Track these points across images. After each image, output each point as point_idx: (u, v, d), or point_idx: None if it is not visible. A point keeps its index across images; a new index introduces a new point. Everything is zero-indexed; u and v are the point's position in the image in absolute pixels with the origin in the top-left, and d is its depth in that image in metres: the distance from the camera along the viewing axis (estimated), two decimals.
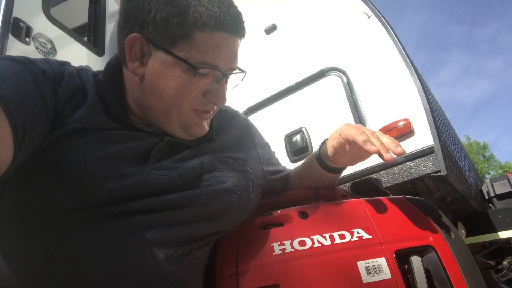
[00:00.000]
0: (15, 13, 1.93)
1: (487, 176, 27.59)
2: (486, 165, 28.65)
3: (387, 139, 0.79)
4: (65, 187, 0.64)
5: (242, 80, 0.84)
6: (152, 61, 0.74)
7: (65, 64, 0.79)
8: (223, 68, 0.76)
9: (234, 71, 0.80)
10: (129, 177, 0.69)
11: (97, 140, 0.69)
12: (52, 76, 0.71)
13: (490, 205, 3.01)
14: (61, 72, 0.74)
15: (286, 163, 2.29)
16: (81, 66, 0.83)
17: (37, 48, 2.05)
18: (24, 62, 0.67)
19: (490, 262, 3.20)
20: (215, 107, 0.82)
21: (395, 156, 0.76)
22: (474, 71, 68.51)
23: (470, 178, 2.79)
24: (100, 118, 0.73)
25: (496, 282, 3.83)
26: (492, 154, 29.39)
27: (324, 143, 0.98)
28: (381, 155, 0.77)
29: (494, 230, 2.40)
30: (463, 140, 29.07)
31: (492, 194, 2.97)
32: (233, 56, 0.77)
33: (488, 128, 60.91)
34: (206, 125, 0.83)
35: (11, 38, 1.88)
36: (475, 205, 2.52)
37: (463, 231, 2.29)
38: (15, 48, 1.90)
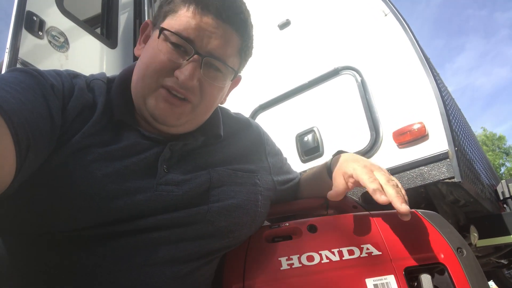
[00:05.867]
0: (29, 7, 1.93)
1: (501, 168, 27.20)
2: (504, 157, 28.17)
3: (393, 191, 0.78)
4: (72, 207, 0.63)
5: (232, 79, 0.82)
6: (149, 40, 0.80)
7: (76, 76, 0.77)
8: (199, 48, 0.72)
9: (218, 61, 0.75)
10: (136, 194, 0.68)
11: (103, 158, 0.68)
12: (61, 91, 0.69)
13: (505, 205, 2.98)
14: (71, 87, 0.72)
15: (297, 163, 2.27)
16: (92, 75, 0.81)
17: (49, 42, 2.05)
18: (34, 75, 0.66)
19: (502, 261, 3.24)
20: (180, 89, 0.73)
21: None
22: (492, 58, 65.95)
23: (485, 179, 2.75)
24: (106, 133, 0.72)
25: (507, 278, 3.95)
26: (510, 145, 28.79)
27: (337, 153, 0.97)
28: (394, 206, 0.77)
29: (508, 233, 2.37)
30: (479, 131, 28.65)
31: (507, 195, 2.97)
32: (217, 41, 0.73)
33: (504, 116, 58.90)
34: (168, 107, 0.74)
35: (24, 32, 1.88)
36: (488, 207, 2.48)
37: (476, 235, 2.25)
38: (28, 42, 1.91)
